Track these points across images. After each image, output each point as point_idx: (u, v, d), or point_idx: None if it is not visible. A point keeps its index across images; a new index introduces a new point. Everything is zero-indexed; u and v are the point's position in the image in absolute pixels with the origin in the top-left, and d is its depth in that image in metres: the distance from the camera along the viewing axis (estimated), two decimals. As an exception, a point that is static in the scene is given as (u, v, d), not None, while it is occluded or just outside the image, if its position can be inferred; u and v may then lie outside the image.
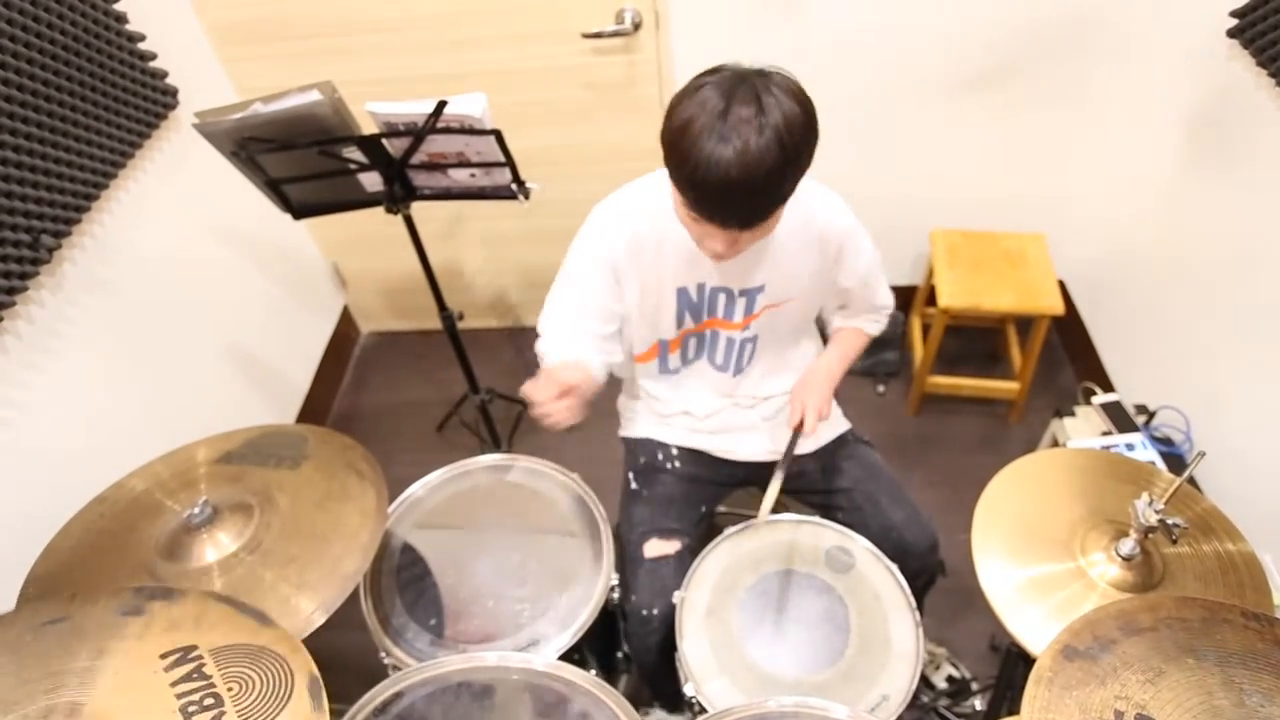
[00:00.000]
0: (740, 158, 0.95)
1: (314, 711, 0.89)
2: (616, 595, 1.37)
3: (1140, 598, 1.01)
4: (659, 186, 1.27)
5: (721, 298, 1.33)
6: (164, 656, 0.92)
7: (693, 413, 1.50)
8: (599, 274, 1.28)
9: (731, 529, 1.40)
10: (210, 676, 0.91)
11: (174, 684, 0.89)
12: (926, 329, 2.45)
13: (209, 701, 0.88)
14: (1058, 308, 2.09)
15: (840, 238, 1.31)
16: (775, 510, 1.37)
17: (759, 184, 0.98)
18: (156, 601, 0.99)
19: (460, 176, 1.69)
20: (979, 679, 1.78)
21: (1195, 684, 0.86)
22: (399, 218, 1.77)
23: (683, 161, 0.99)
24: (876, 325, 1.51)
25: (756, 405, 1.50)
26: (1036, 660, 0.91)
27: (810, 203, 1.26)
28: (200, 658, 0.93)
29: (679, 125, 0.98)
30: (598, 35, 1.97)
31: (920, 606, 1.33)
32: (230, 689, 0.89)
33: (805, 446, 1.50)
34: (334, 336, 2.71)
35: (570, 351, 1.26)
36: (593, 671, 1.14)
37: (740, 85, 0.97)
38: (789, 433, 1.39)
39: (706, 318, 1.36)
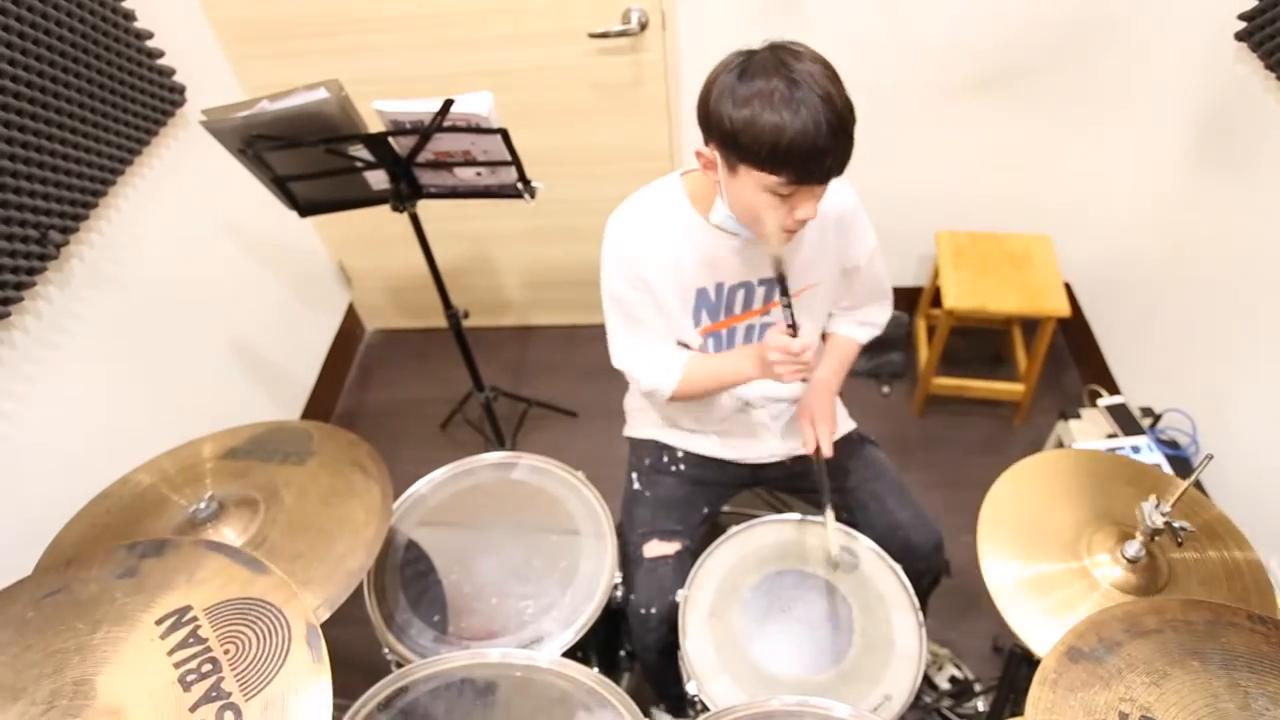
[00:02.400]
0: (823, 103, 0.99)
1: (314, 663, 0.88)
2: (619, 593, 1.37)
3: (1146, 600, 1.00)
4: (669, 191, 1.28)
5: (741, 293, 1.33)
6: (159, 622, 0.92)
7: (705, 417, 1.50)
8: (643, 293, 1.29)
9: (735, 528, 1.40)
10: (206, 639, 0.90)
11: (170, 652, 0.89)
12: (931, 330, 2.45)
13: (206, 668, 0.88)
14: (1063, 310, 2.08)
15: (851, 213, 1.33)
16: (777, 510, 1.37)
17: (846, 118, 1.03)
18: (149, 559, 0.99)
19: (466, 175, 1.69)
20: (982, 680, 1.78)
21: (1200, 687, 0.86)
22: (405, 216, 1.78)
23: (760, 140, 1.01)
24: (872, 330, 1.51)
25: (766, 405, 1.50)
26: (1041, 661, 0.91)
27: None
28: (195, 619, 0.92)
29: (746, 116, 1.01)
30: (604, 35, 1.97)
31: (924, 607, 1.33)
32: (227, 651, 0.89)
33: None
34: (339, 334, 2.72)
35: (679, 363, 1.34)
36: (595, 669, 1.14)
37: (766, 57, 1.02)
38: (798, 438, 1.38)
39: (725, 315, 1.36)
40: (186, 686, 0.86)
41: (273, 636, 0.91)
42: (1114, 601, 1.07)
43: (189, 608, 0.94)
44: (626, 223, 1.29)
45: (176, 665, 0.88)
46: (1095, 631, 0.93)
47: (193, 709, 0.84)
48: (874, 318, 1.51)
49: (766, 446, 1.52)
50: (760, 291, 1.33)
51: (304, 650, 0.89)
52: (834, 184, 1.30)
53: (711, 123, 1.07)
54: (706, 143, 1.12)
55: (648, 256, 1.27)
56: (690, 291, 1.31)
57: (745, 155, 1.05)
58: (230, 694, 0.86)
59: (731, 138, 1.04)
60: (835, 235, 1.32)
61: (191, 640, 0.90)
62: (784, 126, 0.99)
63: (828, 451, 1.37)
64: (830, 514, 1.36)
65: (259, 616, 0.93)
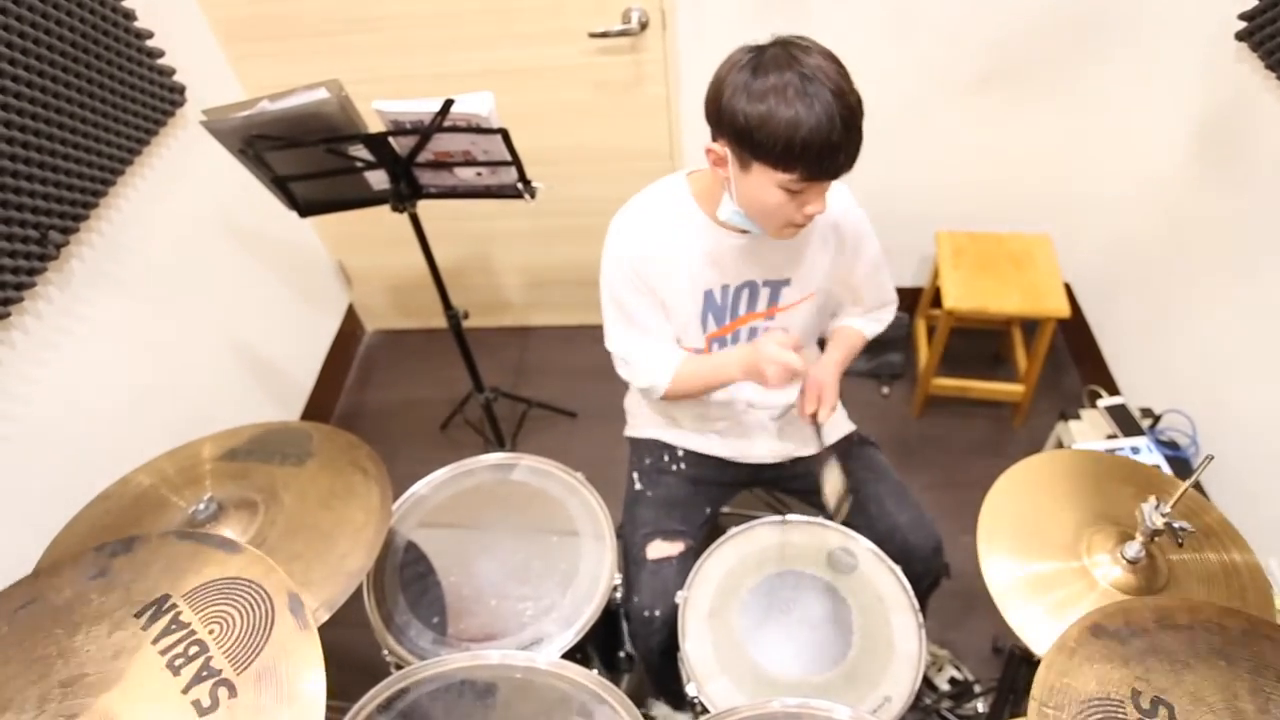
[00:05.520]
0: (835, 98, 1.00)
1: (300, 629, 0.89)
2: (619, 594, 1.37)
3: (1182, 599, 1.00)
4: (675, 190, 1.27)
5: (745, 293, 1.33)
6: (139, 615, 0.92)
7: (705, 414, 1.50)
8: (644, 295, 1.29)
9: (734, 529, 1.40)
10: (188, 623, 0.90)
11: (155, 640, 0.89)
12: (931, 331, 2.45)
13: (193, 650, 0.88)
14: (1063, 310, 2.08)
15: (856, 225, 1.33)
16: (778, 511, 1.37)
17: (857, 113, 1.04)
18: (118, 557, 0.99)
19: (466, 175, 1.69)
20: (981, 681, 1.78)
21: (1222, 684, 0.86)
22: (405, 216, 1.78)
23: (775, 135, 1.01)
24: (877, 326, 1.52)
25: (766, 408, 1.50)
26: (1062, 632, 0.91)
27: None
28: (175, 606, 0.92)
29: (761, 112, 1.01)
30: (604, 35, 1.97)
31: (924, 608, 1.33)
32: (211, 631, 0.90)
33: (811, 448, 1.50)
34: (339, 334, 2.72)
35: (673, 362, 1.34)
36: (595, 670, 1.13)
37: (777, 52, 1.03)
38: (803, 427, 1.40)
39: (730, 319, 1.36)
40: (176, 671, 0.86)
41: (255, 610, 0.91)
42: (1115, 601, 1.07)
43: (167, 596, 0.94)
44: (632, 223, 1.28)
45: (163, 652, 0.88)
46: (1123, 615, 0.92)
47: (185, 690, 0.85)
48: (882, 316, 1.52)
49: (765, 446, 1.52)
50: (765, 292, 1.33)
51: (288, 620, 0.90)
52: (838, 194, 1.31)
53: (724, 119, 1.06)
54: (715, 139, 1.12)
55: (655, 256, 1.26)
56: (699, 293, 1.31)
57: (759, 152, 1.05)
58: (221, 670, 0.86)
59: (746, 134, 1.04)
60: (837, 245, 1.33)
61: (174, 626, 0.90)
62: (799, 122, 0.99)
63: (823, 419, 1.37)
64: (834, 466, 1.36)
65: (239, 593, 0.93)
